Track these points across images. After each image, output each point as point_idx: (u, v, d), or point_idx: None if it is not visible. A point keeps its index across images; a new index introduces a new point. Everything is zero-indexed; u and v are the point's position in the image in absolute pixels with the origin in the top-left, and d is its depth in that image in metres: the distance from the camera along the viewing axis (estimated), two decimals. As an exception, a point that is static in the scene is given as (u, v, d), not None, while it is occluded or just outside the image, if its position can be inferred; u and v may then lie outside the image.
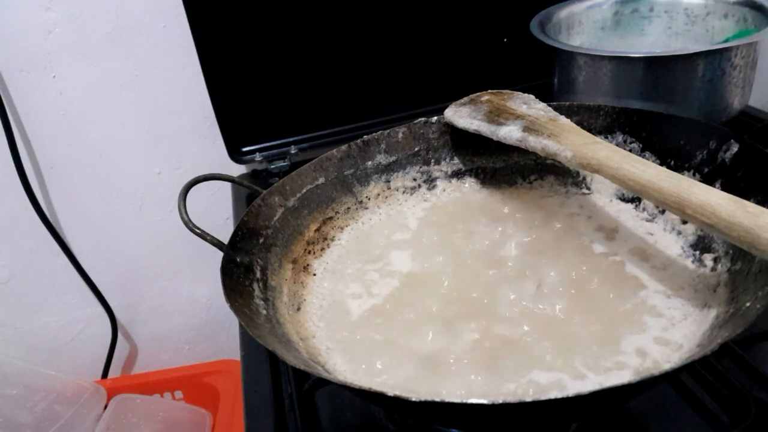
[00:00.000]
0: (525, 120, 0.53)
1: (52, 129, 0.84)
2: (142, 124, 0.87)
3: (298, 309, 0.49)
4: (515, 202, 0.58)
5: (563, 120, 0.51)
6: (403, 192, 0.60)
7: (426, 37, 0.83)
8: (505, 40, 0.85)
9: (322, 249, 0.55)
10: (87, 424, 0.88)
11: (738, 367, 0.47)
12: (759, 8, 0.71)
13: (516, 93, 0.59)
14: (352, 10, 0.79)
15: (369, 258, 0.53)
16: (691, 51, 0.65)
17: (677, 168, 0.49)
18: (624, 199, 0.55)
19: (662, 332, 0.42)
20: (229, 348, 1.06)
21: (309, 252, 0.53)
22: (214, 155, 0.89)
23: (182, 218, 0.49)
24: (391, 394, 0.33)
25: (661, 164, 0.48)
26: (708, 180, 0.46)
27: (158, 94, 0.85)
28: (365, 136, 0.59)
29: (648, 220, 0.52)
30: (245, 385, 0.55)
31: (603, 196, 0.56)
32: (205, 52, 0.77)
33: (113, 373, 1.02)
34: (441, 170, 0.61)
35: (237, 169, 0.88)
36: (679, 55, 0.65)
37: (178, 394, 1.00)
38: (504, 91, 0.60)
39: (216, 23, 0.76)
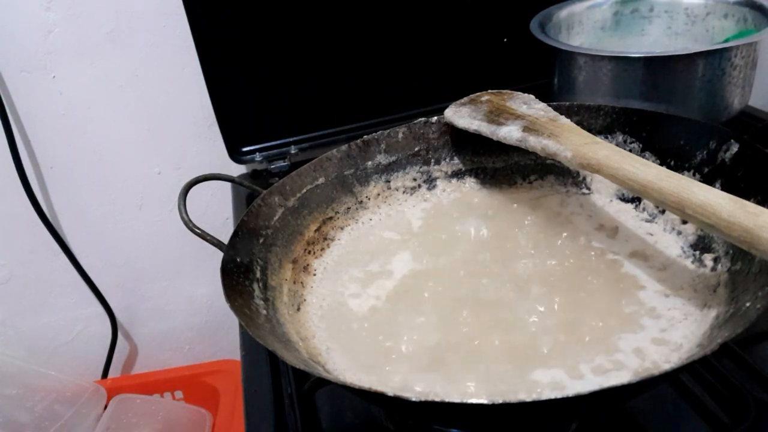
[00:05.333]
0: (525, 120, 0.53)
1: (52, 129, 0.84)
2: (142, 124, 0.87)
3: (298, 309, 0.49)
4: (515, 202, 0.58)
5: (563, 120, 0.51)
6: (403, 192, 0.60)
7: (426, 37, 0.83)
8: (505, 40, 0.85)
9: (322, 249, 0.55)
10: (87, 424, 0.88)
11: (738, 367, 0.47)
12: (759, 8, 0.71)
13: (516, 93, 0.59)
14: (352, 10, 0.79)
15: (369, 258, 0.53)
16: (691, 51, 0.65)
17: (677, 168, 0.49)
18: (624, 199, 0.55)
19: (662, 332, 0.42)
20: (229, 348, 1.06)
21: (309, 252, 0.53)
22: (214, 155, 0.89)
23: (182, 218, 0.49)
24: (391, 394, 0.33)
25: (661, 164, 0.48)
26: (708, 180, 0.46)
27: (158, 94, 0.85)
28: (365, 136, 0.58)
29: (648, 220, 0.52)
30: (245, 385, 0.55)
31: (603, 196, 0.56)
32: (205, 52, 0.77)
33: (113, 373, 1.02)
34: (441, 170, 0.61)
35: (237, 169, 0.88)
36: (679, 55, 0.65)
37: (178, 394, 1.00)
38: (504, 91, 0.60)
39: (216, 23, 0.76)
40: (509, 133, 0.52)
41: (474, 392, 0.39)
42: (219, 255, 0.45)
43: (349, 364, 0.43)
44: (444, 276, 0.50)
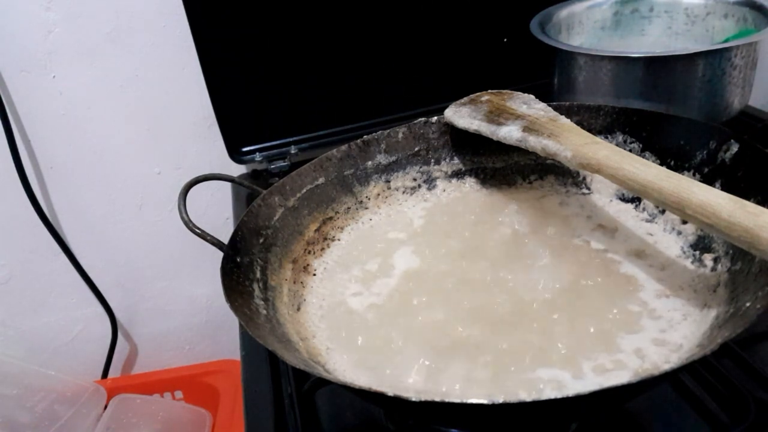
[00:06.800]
0: (525, 120, 0.53)
1: (52, 129, 0.84)
2: (142, 124, 0.87)
3: (298, 309, 0.49)
4: (515, 202, 0.58)
5: (563, 120, 0.51)
6: (403, 192, 0.60)
7: (426, 37, 0.83)
8: (505, 40, 0.85)
9: (322, 249, 0.55)
10: (87, 424, 0.88)
11: (738, 367, 0.47)
12: (759, 8, 0.71)
13: (516, 93, 0.59)
14: (352, 10, 0.79)
15: (369, 258, 0.53)
16: (691, 51, 0.65)
17: (677, 168, 0.49)
18: (624, 199, 0.55)
19: (661, 333, 0.42)
20: (229, 348, 1.06)
21: (309, 252, 0.53)
22: (214, 155, 0.89)
23: (182, 218, 0.49)
24: (391, 394, 0.33)
25: (661, 164, 0.48)
26: (708, 180, 0.46)
27: (158, 94, 0.85)
28: (365, 136, 0.59)
29: (648, 221, 0.52)
30: (245, 385, 0.55)
31: (603, 196, 0.56)
32: (205, 52, 0.77)
33: (113, 373, 1.02)
34: (441, 170, 0.61)
35: (237, 169, 0.88)
36: (679, 55, 0.65)
37: (178, 394, 1.00)
38: (504, 91, 0.60)
39: (216, 23, 0.76)
40: (509, 133, 0.52)
41: (478, 392, 0.39)
42: (219, 255, 0.45)
43: (349, 364, 0.43)
44: (444, 275, 0.50)
